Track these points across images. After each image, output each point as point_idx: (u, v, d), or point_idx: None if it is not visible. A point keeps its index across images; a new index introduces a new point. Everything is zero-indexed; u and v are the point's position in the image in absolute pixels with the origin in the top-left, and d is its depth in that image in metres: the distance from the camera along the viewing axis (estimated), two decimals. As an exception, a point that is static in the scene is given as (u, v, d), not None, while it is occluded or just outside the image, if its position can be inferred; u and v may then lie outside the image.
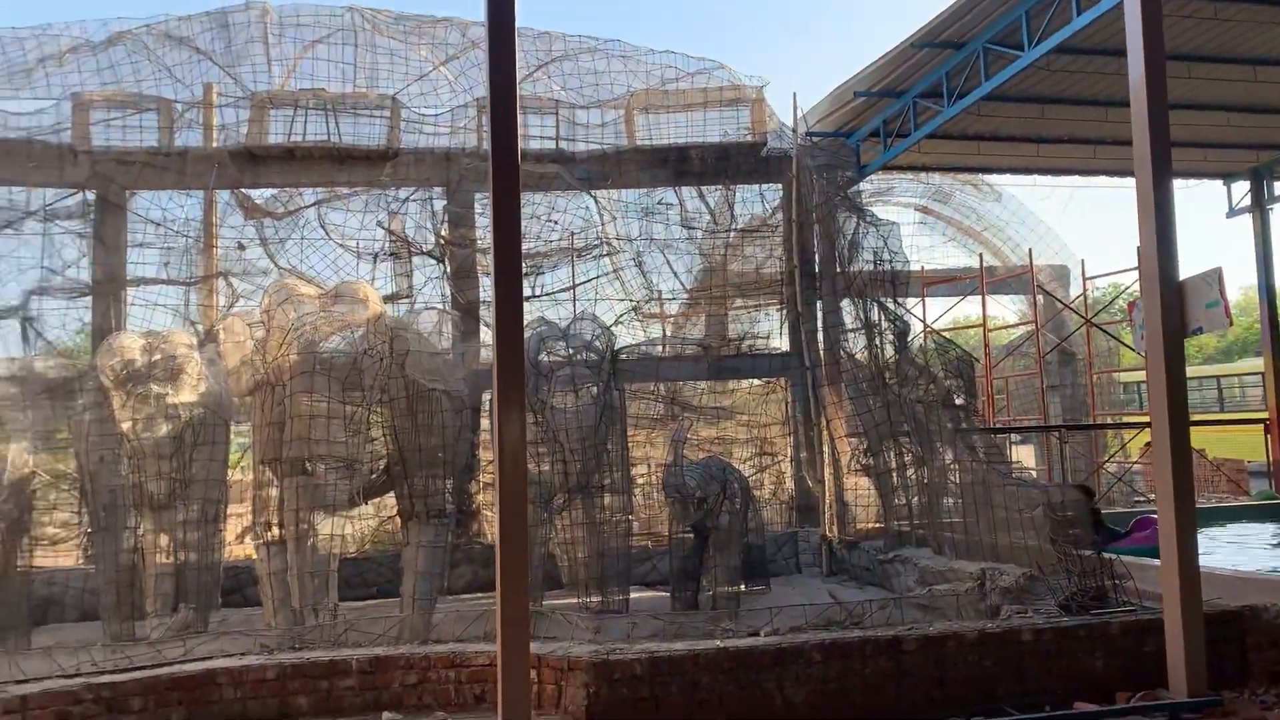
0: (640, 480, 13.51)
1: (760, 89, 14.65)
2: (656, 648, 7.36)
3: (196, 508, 10.30)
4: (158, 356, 10.16)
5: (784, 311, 14.40)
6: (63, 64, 13.19)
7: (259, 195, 13.79)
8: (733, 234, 14.58)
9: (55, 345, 13.09)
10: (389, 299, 13.32)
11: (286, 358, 9.68)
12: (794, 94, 15.38)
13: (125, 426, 9.91)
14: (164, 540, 10.28)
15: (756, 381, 14.77)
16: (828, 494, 13.30)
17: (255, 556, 10.59)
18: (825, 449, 13.44)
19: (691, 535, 10.91)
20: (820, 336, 13.71)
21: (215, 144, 13.48)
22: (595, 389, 11.06)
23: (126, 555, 10.16)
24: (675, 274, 14.54)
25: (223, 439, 10.72)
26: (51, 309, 13.06)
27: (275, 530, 9.92)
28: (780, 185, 14.58)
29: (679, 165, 14.30)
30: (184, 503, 10.24)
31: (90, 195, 13.12)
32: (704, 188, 14.57)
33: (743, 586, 10.96)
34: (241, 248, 13.70)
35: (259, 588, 10.07)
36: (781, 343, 14.42)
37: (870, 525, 12.82)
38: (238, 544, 13.16)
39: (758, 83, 14.67)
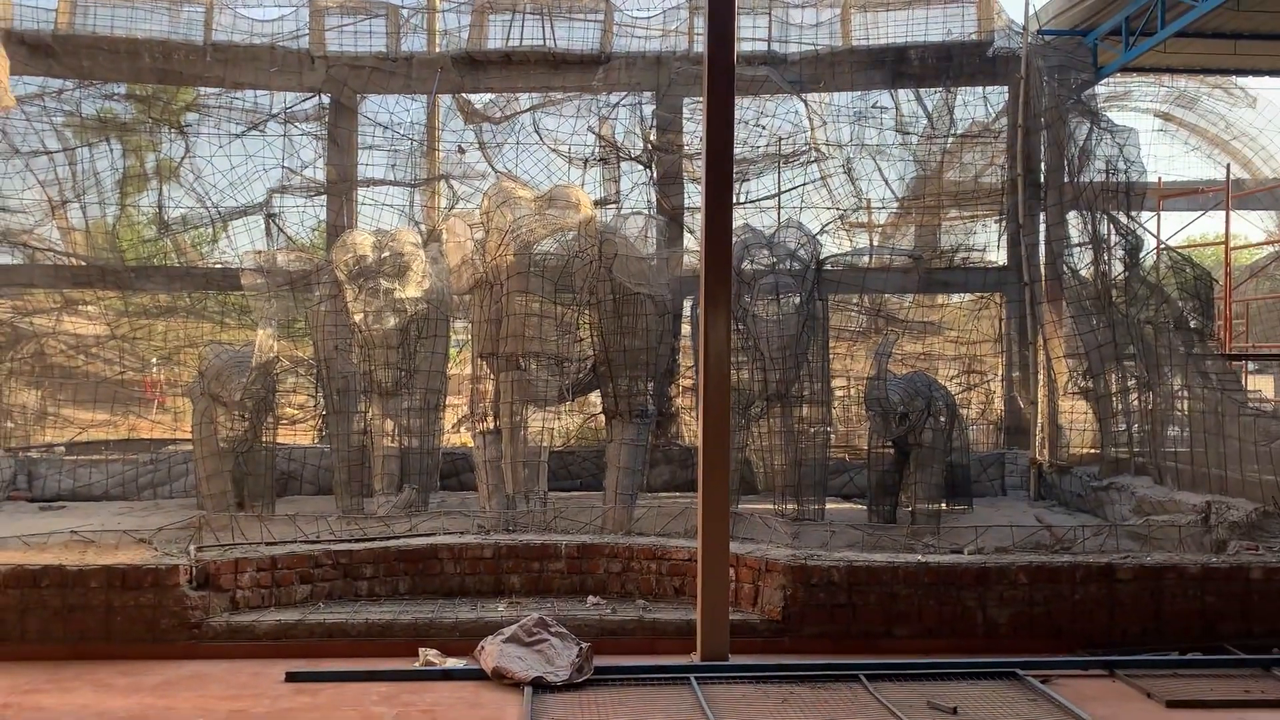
0: (839, 393, 13.37)
1: (988, -16, 13.75)
2: (855, 557, 7.37)
3: (419, 396, 11.04)
4: (386, 254, 10.81)
5: (1003, 223, 13.70)
6: (301, -30, 13.93)
7: (478, 100, 14.26)
8: (951, 140, 13.90)
9: (295, 241, 14.15)
10: (598, 204, 13.55)
11: (504, 258, 10.07)
12: (1023, -10, 14.31)
13: (357, 318, 10.65)
14: (390, 425, 11.10)
15: (968, 296, 14.20)
16: (1040, 416, 12.75)
17: (471, 444, 11.26)
18: (1040, 370, 12.85)
19: (892, 450, 10.77)
20: (1042, 250, 12.99)
21: (438, 49, 13.97)
22: (798, 298, 10.95)
23: (357, 437, 11.05)
24: (886, 182, 14.06)
25: (444, 333, 11.39)
26: (291, 206, 14.12)
27: (490, 421, 10.51)
28: (1006, 88, 13.73)
29: (896, 66, 13.68)
30: (408, 391, 10.99)
31: (325, 99, 13.93)
32: (922, 90, 13.91)
33: (944, 505, 10.77)
34: (462, 151, 14.25)
35: (475, 473, 10.73)
36: (998, 256, 13.77)
37: (1085, 450, 12.25)
38: (454, 432, 14.01)
39: (985, -23, 13.77)
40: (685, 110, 13.99)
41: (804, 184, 14.04)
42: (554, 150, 14.15)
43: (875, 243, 14.26)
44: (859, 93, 14.00)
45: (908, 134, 14.04)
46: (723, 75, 6.76)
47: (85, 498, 11.87)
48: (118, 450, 12.90)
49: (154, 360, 14.51)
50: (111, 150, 14.04)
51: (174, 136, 14.14)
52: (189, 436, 11.89)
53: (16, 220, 13.55)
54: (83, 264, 13.67)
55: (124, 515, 10.42)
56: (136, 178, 14.41)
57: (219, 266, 14.08)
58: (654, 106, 14.03)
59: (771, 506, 10.69)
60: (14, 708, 5.86)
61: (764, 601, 7.28)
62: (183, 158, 14.09)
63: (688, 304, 12.70)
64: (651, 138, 14.01)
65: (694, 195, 13.92)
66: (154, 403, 14.61)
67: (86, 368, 13.95)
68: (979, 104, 14.01)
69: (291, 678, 6.38)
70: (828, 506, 10.77)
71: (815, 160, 13.98)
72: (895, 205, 14.36)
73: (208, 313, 14.09)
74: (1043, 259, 13.00)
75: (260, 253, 12.57)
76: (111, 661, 6.72)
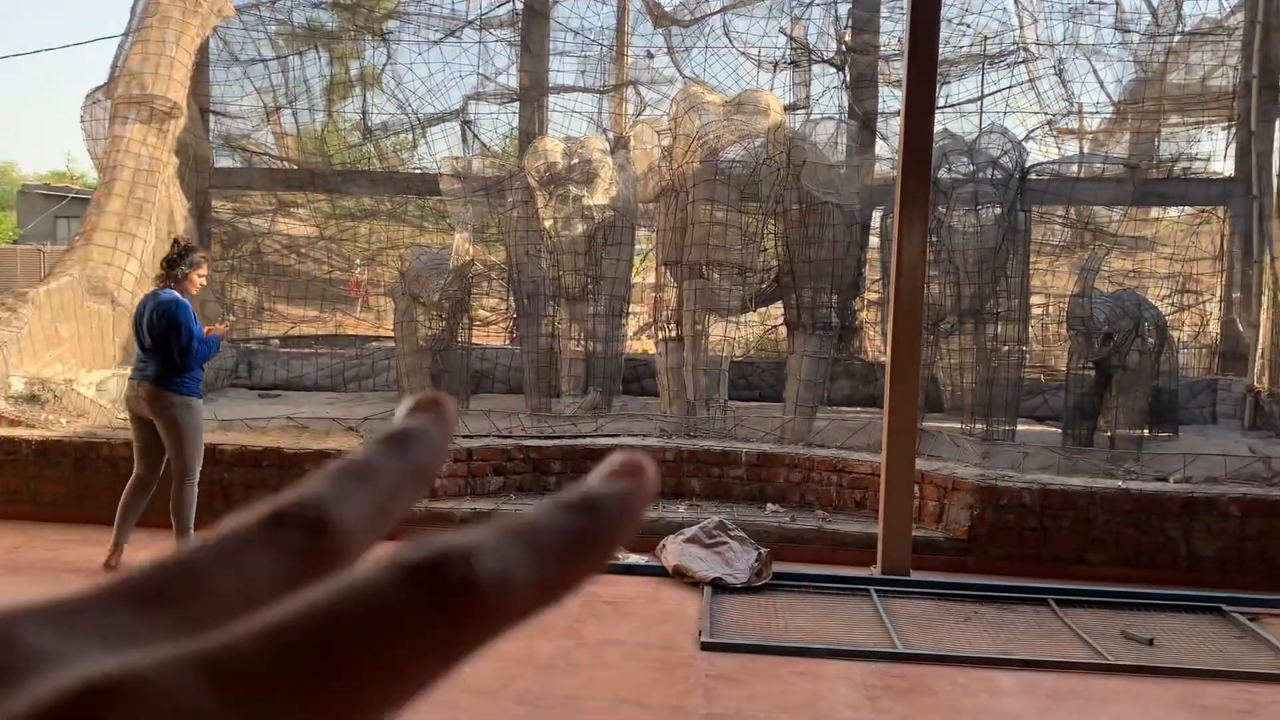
0: (1037, 310, 12.72)
1: None
2: (1050, 479, 7.11)
3: (604, 302, 11.22)
4: (576, 160, 10.91)
5: (1231, 130, 12.50)
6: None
7: (668, 2, 14.03)
8: (1178, 38, 12.71)
9: (489, 147, 14.49)
10: (788, 109, 13.19)
11: (690, 165, 10.00)
12: None
13: (547, 224, 10.86)
14: (576, 329, 11.37)
15: (1187, 210, 13.13)
16: (1262, 340, 11.77)
17: (653, 351, 11.42)
18: (1266, 291, 11.81)
19: (1093, 371, 10.22)
20: (1276, 160, 11.81)
21: (630, -51, 13.80)
22: (998, 209, 10.41)
23: (545, 340, 11.38)
24: (1101, 84, 13.04)
25: (629, 240, 11.48)
26: (485, 113, 14.42)
27: (672, 328, 10.59)
28: (1247, -21, 12.42)
29: (1120, -43, 12.58)
30: (594, 297, 11.19)
31: (519, 4, 14.03)
32: (1149, -17, 12.76)
33: (1147, 431, 10.17)
34: (650, 56, 14.12)
35: (656, 379, 10.89)
36: (1224, 167, 12.62)
37: (1312, 379, 11.26)
38: (635, 339, 14.22)
39: None
40: (883, 9, 13.34)
41: (1010, 87, 13.20)
42: (743, 54, 13.82)
43: (1086, 150, 13.32)
44: (1076, -13, 12.97)
45: (1128, 32, 12.92)
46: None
47: (297, 388, 12.78)
48: (326, 345, 13.78)
49: (358, 261, 15.32)
50: (319, 58, 14.66)
51: (376, 44, 14.62)
52: (390, 334, 12.57)
53: (236, 125, 14.42)
54: (294, 168, 14.46)
55: (332, 405, 11.17)
56: (342, 85, 15.01)
57: (418, 172, 14.59)
58: (849, 6, 13.44)
59: (959, 426, 10.39)
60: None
61: (949, 520, 7.13)
62: (384, 65, 14.57)
63: (877, 214, 12.30)
64: (846, 39, 13.46)
65: (889, 99, 13.35)
66: (358, 301, 15.49)
67: (298, 267, 14.87)
68: (1212, -2, 12.75)
69: (485, 563, 6.75)
70: (1020, 428, 10.37)
71: (1023, 61, 13.09)
72: (1110, 110, 13.33)
73: (408, 216, 14.69)
74: (1276, 170, 11.83)
75: (457, 159, 12.94)
76: (324, 537, 7.28)
